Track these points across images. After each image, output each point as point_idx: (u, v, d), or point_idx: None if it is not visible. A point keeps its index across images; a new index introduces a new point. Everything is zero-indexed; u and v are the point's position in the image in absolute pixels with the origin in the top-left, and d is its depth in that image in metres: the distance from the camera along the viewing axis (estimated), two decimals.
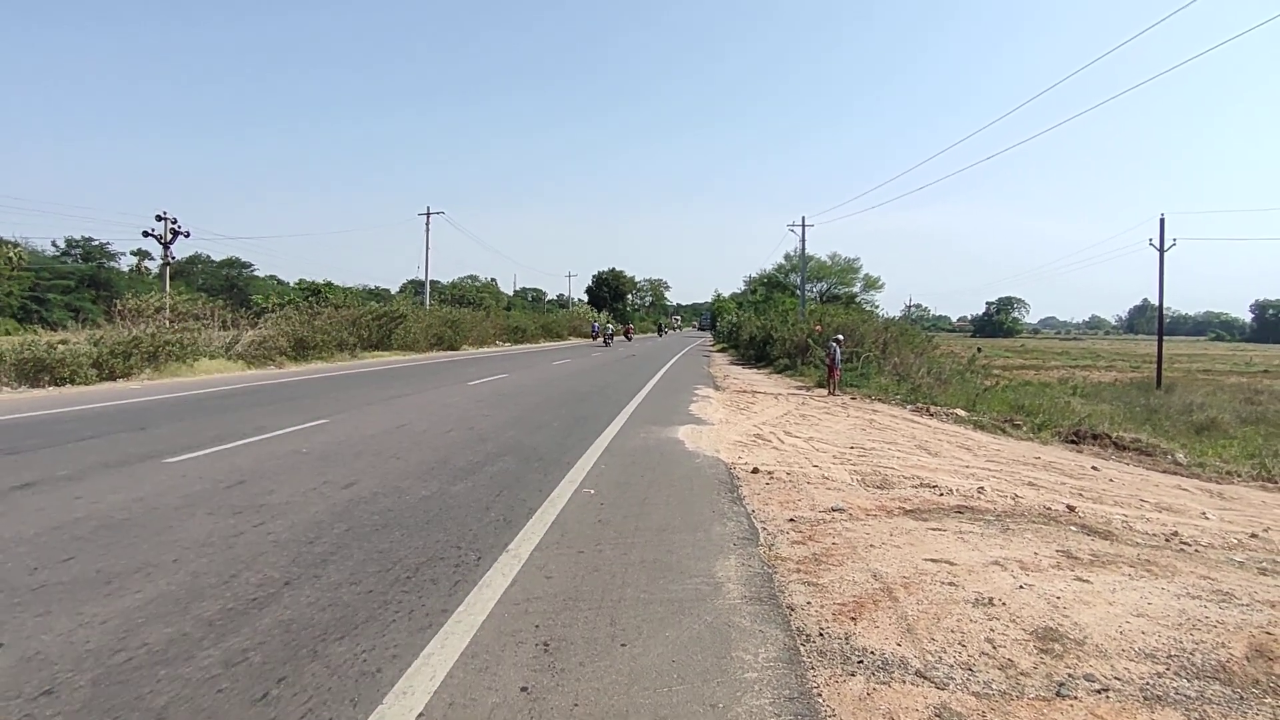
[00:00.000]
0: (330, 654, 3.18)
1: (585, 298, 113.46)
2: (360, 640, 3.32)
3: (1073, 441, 12.64)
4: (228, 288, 69.29)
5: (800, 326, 29.76)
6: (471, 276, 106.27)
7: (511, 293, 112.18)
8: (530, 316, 64.73)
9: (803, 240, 50.35)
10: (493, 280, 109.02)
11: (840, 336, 19.59)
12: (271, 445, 8.29)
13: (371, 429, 9.67)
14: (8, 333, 40.49)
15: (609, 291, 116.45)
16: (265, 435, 8.94)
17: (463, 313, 46.61)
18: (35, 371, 15.00)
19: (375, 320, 31.38)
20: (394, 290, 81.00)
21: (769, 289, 65.02)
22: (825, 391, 18.18)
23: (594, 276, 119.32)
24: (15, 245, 56.76)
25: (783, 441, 9.93)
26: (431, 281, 53.48)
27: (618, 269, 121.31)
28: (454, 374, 20.57)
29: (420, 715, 2.73)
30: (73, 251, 65.97)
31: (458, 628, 3.49)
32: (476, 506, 5.82)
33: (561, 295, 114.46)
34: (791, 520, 5.74)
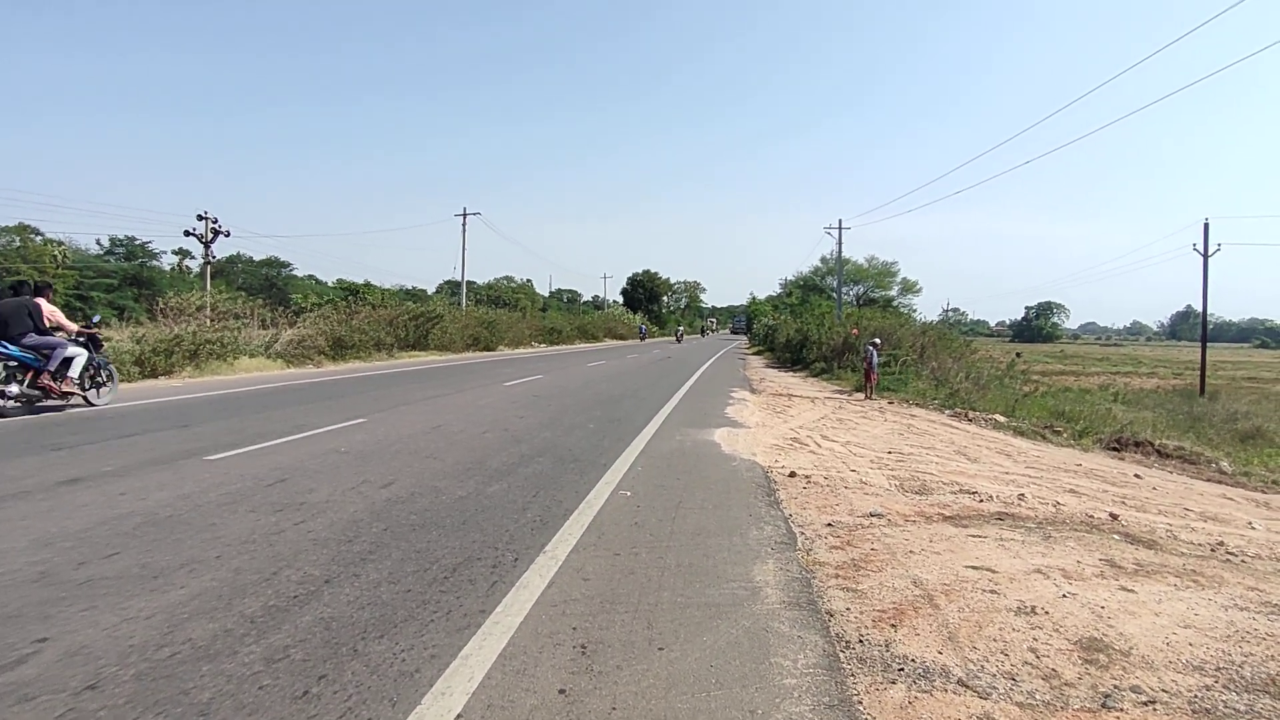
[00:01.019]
0: (370, 652, 3.21)
1: (620, 299, 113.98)
2: (399, 639, 3.35)
3: (1114, 449, 12.40)
4: (267, 287, 70.39)
5: (837, 330, 29.55)
6: (507, 277, 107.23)
7: (547, 294, 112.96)
8: (566, 318, 65.11)
9: (839, 243, 50.13)
10: (528, 281, 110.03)
11: (877, 340, 19.41)
12: (311, 444, 8.41)
13: (408, 429, 9.76)
14: None
15: (644, 293, 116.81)
16: (304, 434, 9.07)
17: (498, 314, 47.06)
18: None
19: (412, 320, 31.69)
20: (430, 290, 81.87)
21: (805, 292, 64.87)
22: (862, 395, 18.02)
23: (629, 278, 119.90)
24: (60, 244, 58.72)
25: (820, 445, 9.85)
26: (468, 282, 54.01)
27: (652, 271, 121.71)
28: (489, 375, 20.70)
29: (459, 716, 2.74)
30: (116, 250, 67.47)
31: (495, 629, 3.50)
32: (513, 508, 5.84)
33: (597, 297, 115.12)
34: (829, 525, 5.69)
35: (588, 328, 63.21)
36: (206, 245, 33.20)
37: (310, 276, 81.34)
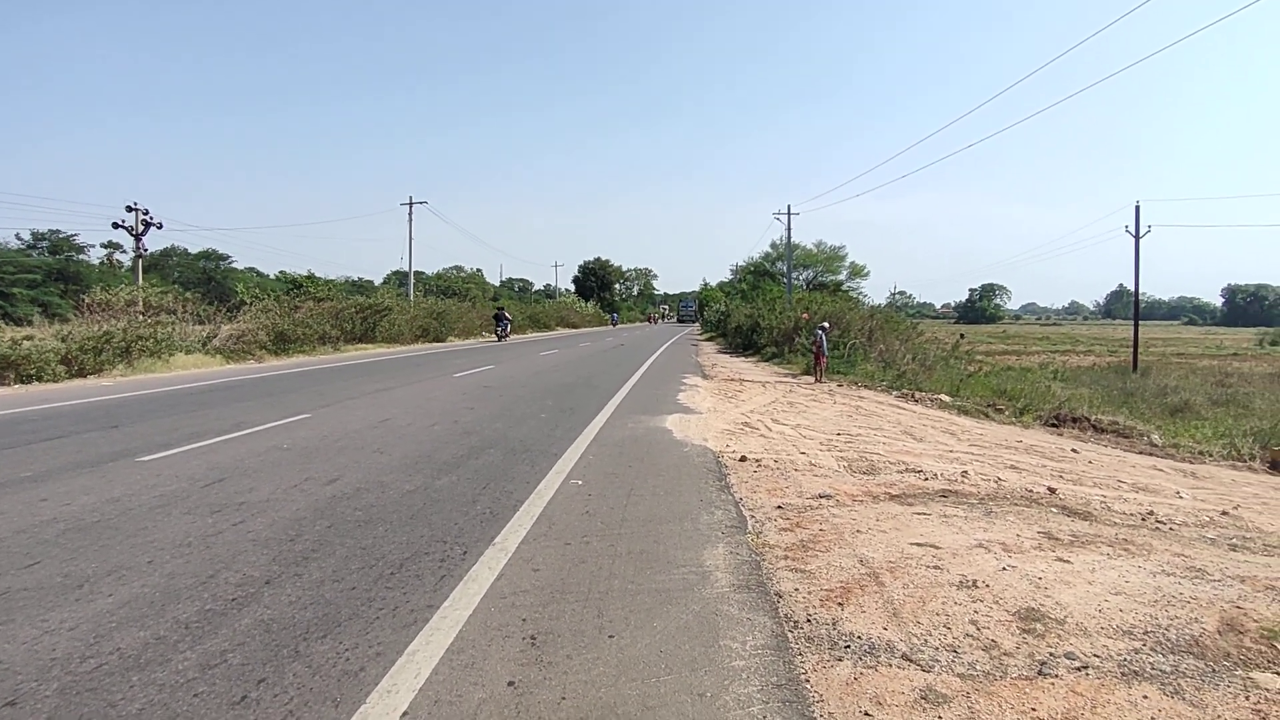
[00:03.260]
0: (312, 653, 3.14)
1: (572, 288, 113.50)
2: (343, 638, 3.28)
3: (1053, 425, 12.77)
4: (204, 280, 68.35)
5: (787, 314, 29.80)
6: (457, 267, 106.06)
7: (498, 283, 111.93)
8: (517, 307, 64.56)
9: (788, 228, 50.49)
10: (478, 271, 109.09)
11: (826, 324, 19.61)
12: (251, 441, 8.18)
13: (354, 423, 9.57)
14: None
15: (596, 281, 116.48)
16: (244, 431, 8.83)
17: (448, 304, 46.25)
18: (0, 369, 14.49)
19: (358, 313, 31.09)
20: (378, 282, 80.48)
21: (756, 277, 65.27)
22: (812, 379, 18.20)
23: (581, 266, 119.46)
24: None
25: (770, 429, 9.93)
26: (416, 273, 53.20)
27: (604, 259, 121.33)
28: (439, 366, 20.42)
29: (405, 714, 2.70)
30: (39, 244, 64.43)
31: (443, 623, 3.45)
32: (462, 500, 5.77)
33: (549, 285, 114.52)
34: (779, 508, 5.74)
35: (540, 316, 62.69)
36: (137, 238, 31.84)
37: (251, 269, 79.27)
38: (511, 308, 52.25)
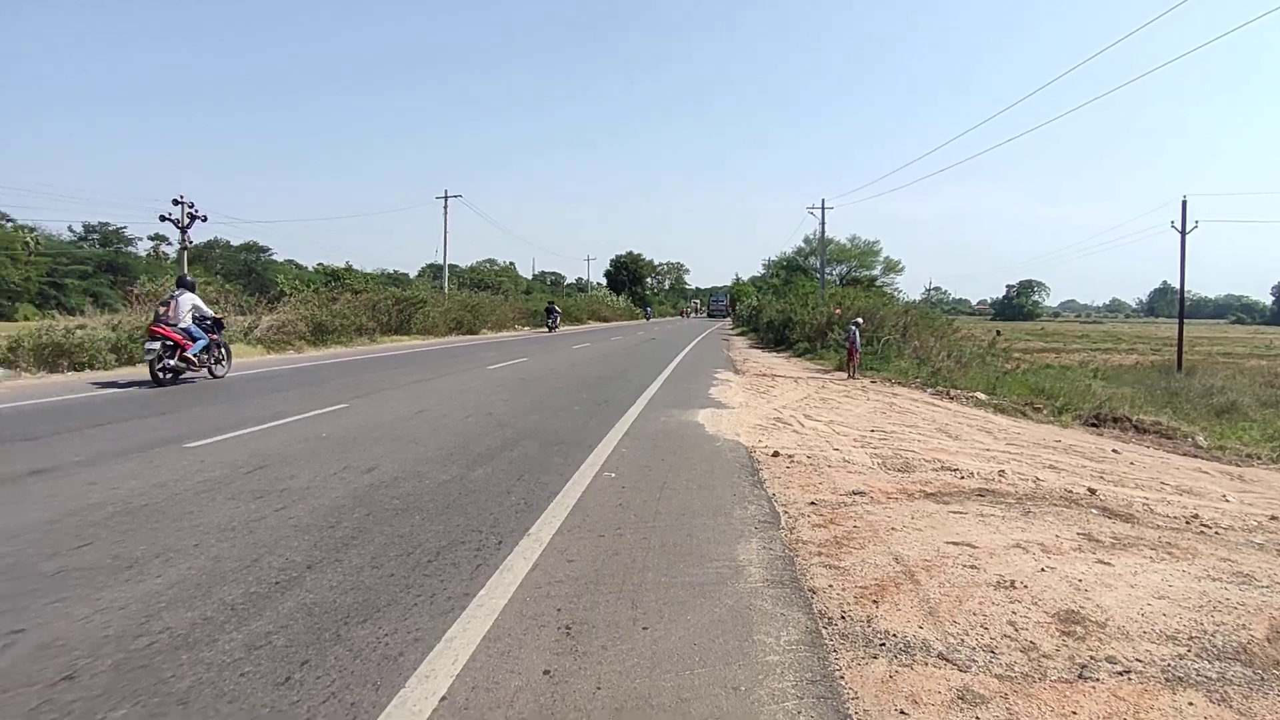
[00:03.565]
0: (352, 637, 3.20)
1: (604, 281, 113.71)
2: (382, 624, 3.34)
3: (1093, 425, 12.55)
4: (246, 272, 69.67)
5: (820, 310, 29.61)
6: (490, 260, 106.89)
7: (530, 276, 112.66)
8: (549, 300, 64.96)
9: (822, 223, 50.21)
10: (511, 264, 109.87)
11: (860, 320, 19.47)
12: (292, 430, 8.34)
13: (391, 414, 9.71)
14: (26, 318, 41.10)
15: (628, 275, 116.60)
16: (285, 420, 9.00)
17: (481, 297, 46.73)
18: (54, 357, 14.90)
19: (394, 305, 31.42)
20: (413, 274, 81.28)
21: (789, 272, 64.98)
22: (845, 375, 18.09)
23: (613, 260, 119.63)
24: (31, 230, 57.66)
25: (803, 425, 9.89)
26: (450, 265, 53.65)
27: (636, 252, 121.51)
28: (473, 358, 20.61)
29: (443, 698, 2.74)
30: (90, 237, 66.81)
31: (479, 611, 3.50)
32: (497, 491, 5.83)
33: (580, 279, 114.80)
34: (813, 504, 5.72)
35: (571, 310, 62.88)
36: (183, 230, 32.67)
37: (290, 261, 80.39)
38: (543, 302, 52.83)
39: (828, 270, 56.57)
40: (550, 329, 44.66)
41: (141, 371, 14.06)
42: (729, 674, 2.98)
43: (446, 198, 50.13)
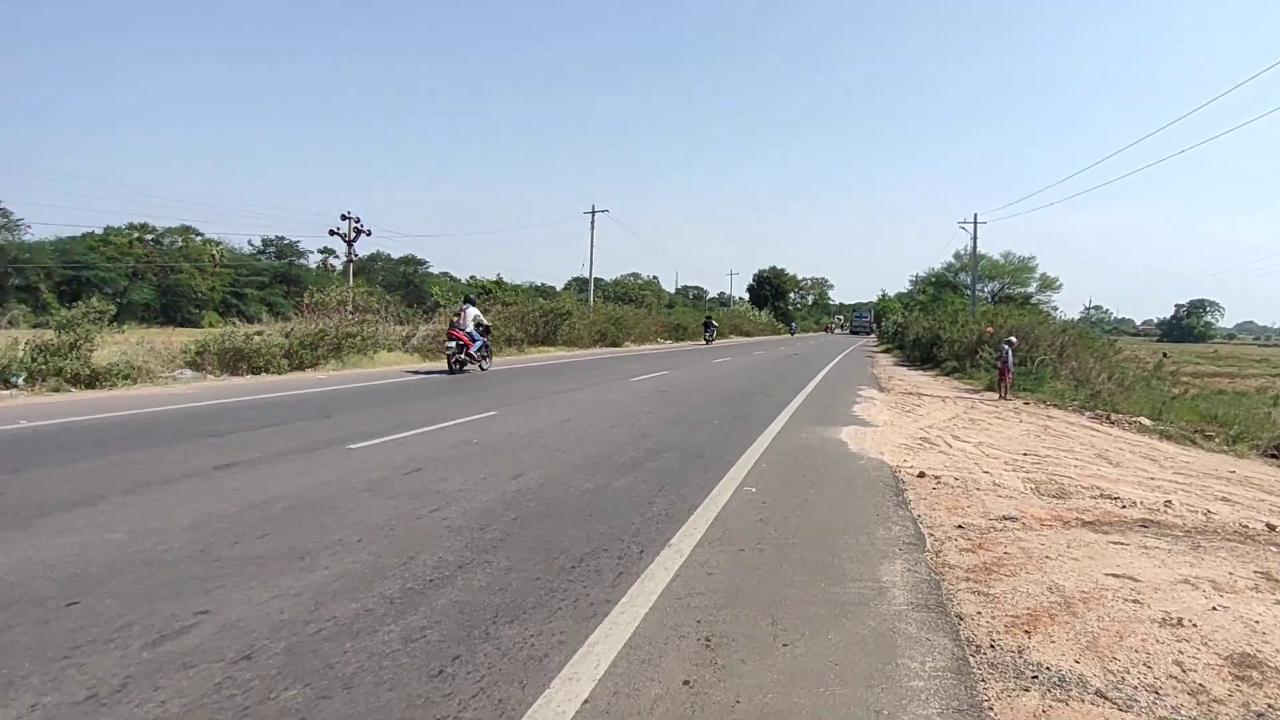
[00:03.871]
0: (500, 636, 3.35)
1: (746, 296, 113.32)
2: (528, 625, 3.48)
3: (1273, 455, 11.40)
4: (404, 284, 73.90)
5: (970, 327, 28.32)
6: (634, 274, 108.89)
7: (673, 290, 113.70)
8: (692, 314, 65.19)
9: (974, 237, 48.13)
10: (654, 278, 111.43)
11: (1013, 339, 18.50)
12: (444, 435, 8.79)
13: (537, 423, 10.05)
14: (210, 324, 45.40)
15: (770, 290, 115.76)
16: (438, 425, 9.48)
17: (625, 310, 47.57)
18: (235, 360, 16.45)
19: (541, 317, 32.47)
20: (559, 287, 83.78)
21: (937, 288, 62.57)
22: (996, 395, 17.23)
23: (755, 275, 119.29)
24: (217, 244, 63.94)
25: (950, 446, 9.51)
26: (595, 279, 54.95)
27: (779, 267, 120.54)
28: (616, 370, 21.02)
29: (585, 701, 2.82)
30: (267, 250, 73.02)
31: (621, 618, 3.58)
32: (639, 501, 5.94)
33: (722, 293, 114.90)
34: (960, 527, 5.50)
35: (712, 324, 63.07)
36: (349, 243, 35.26)
37: (445, 273, 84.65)
38: (685, 315, 53.48)
39: (979, 287, 54.06)
40: (708, 342, 47.22)
41: (306, 377, 15.20)
42: (870, 697, 2.93)
43: (594, 212, 51.51)
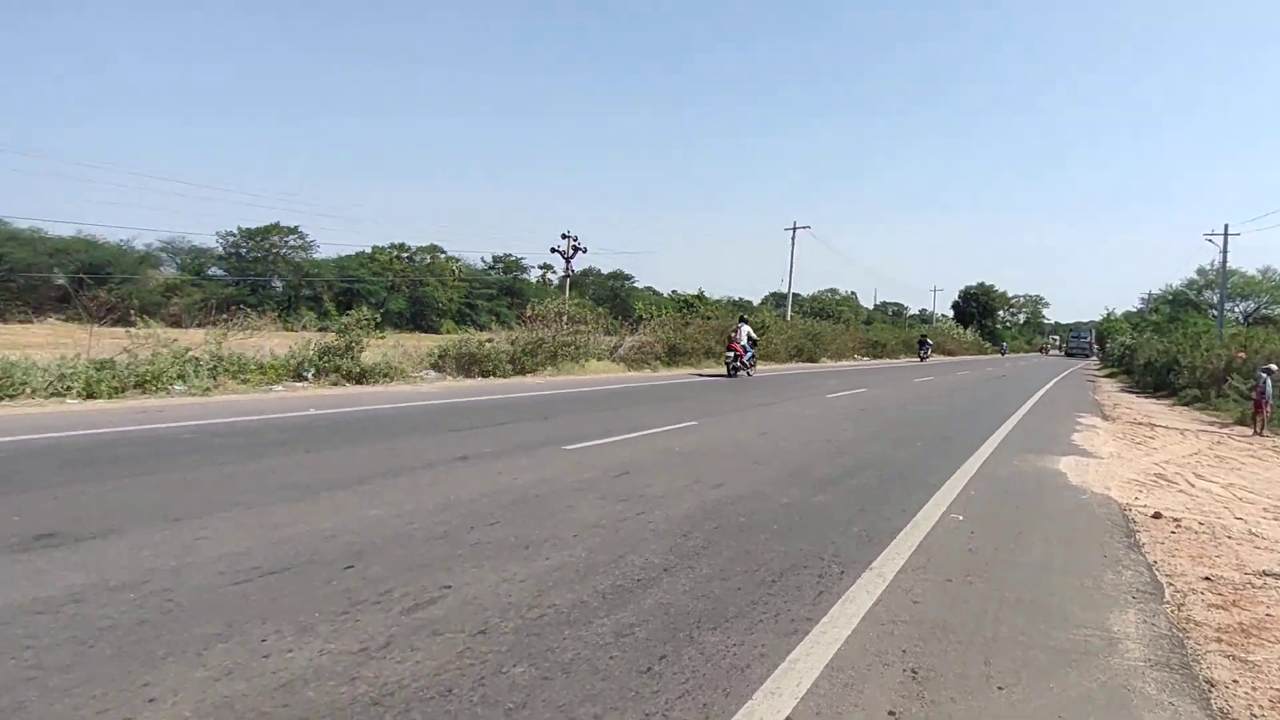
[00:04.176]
0: (704, 642, 3.43)
1: (950, 313, 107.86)
2: (730, 634, 3.53)
3: None
4: (611, 297, 76.87)
5: (1217, 352, 25.23)
6: (831, 289, 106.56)
7: (871, 307, 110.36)
8: (891, 331, 63.03)
9: (1223, 251, 42.85)
10: (852, 294, 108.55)
11: (1273, 366, 16.22)
12: (648, 442, 9.11)
13: (736, 434, 10.15)
14: (447, 332, 50.46)
15: (977, 307, 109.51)
16: (642, 432, 9.84)
17: (823, 325, 46.89)
18: (469, 364, 18.58)
19: None
20: (756, 302, 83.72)
21: (1174, 308, 56.47)
22: (1249, 431, 15.24)
23: (961, 292, 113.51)
24: (456, 260, 71.78)
25: (1192, 485, 8.55)
26: (792, 294, 54.60)
27: (988, 284, 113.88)
28: (813, 385, 20.77)
29: (788, 718, 2.83)
30: (496, 265, 80.00)
31: (822, 638, 3.55)
32: (838, 519, 5.86)
33: (924, 310, 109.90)
34: (1207, 579, 4.94)
35: (914, 342, 60.56)
36: (568, 260, 37.73)
37: (649, 288, 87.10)
38: (884, 332, 52.48)
39: (1228, 306, 48.07)
40: (922, 359, 49.41)
41: (526, 381, 16.21)
42: None
43: (794, 229, 51.40)
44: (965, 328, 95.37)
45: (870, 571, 4.62)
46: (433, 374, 17.45)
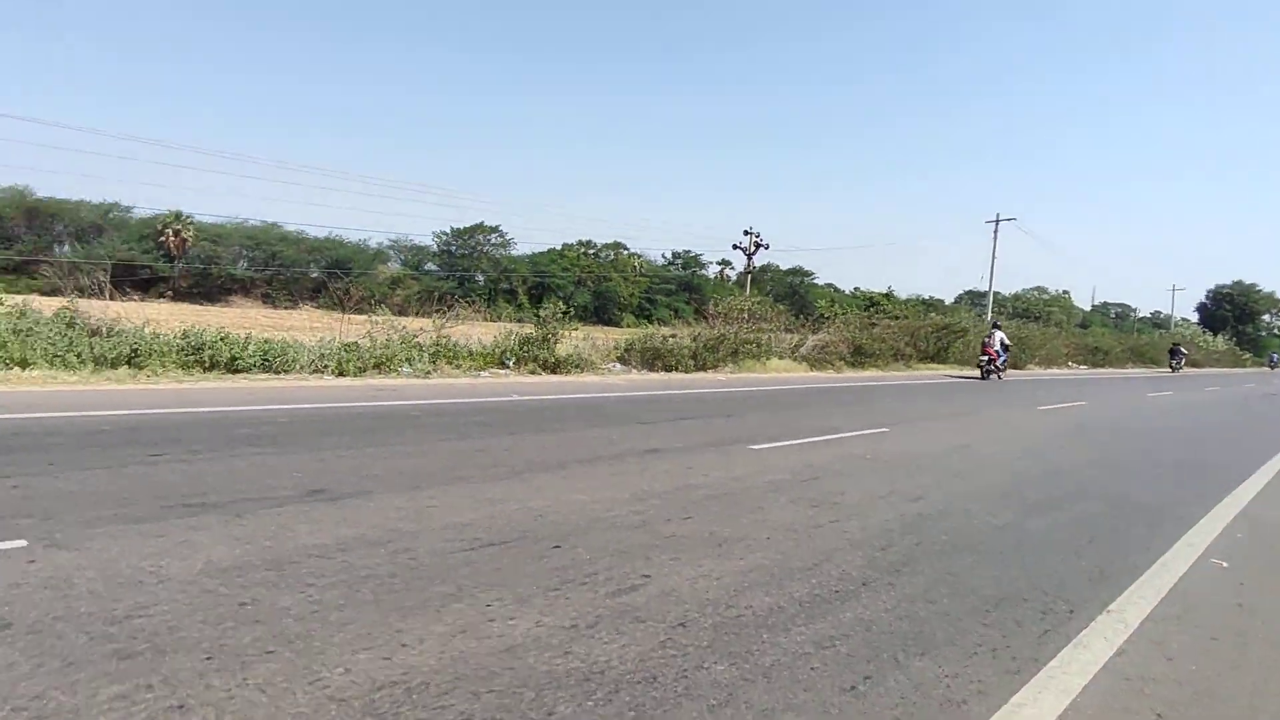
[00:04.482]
0: (911, 667, 3.13)
1: (1195, 317, 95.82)
2: (941, 663, 3.20)
3: None
4: (790, 294, 75.70)
5: None
6: (1039, 288, 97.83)
7: (1088, 308, 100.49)
8: (1114, 337, 57.22)
9: None
10: (1065, 293, 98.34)
11: None
12: (837, 446, 8.75)
13: (932, 444, 9.55)
14: (629, 325, 52.37)
15: (1231, 310, 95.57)
16: (831, 436, 9.48)
17: (1030, 329, 43.17)
18: (652, 358, 19.04)
19: (934, 333, 31.29)
20: (948, 301, 79.35)
21: None
22: None
23: (1210, 292, 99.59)
24: (639, 256, 74.86)
25: None
26: (993, 293, 51.39)
27: (1247, 282, 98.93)
28: (1019, 394, 19.36)
29: None
30: (675, 262, 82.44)
31: (1051, 684, 3.12)
32: (1061, 550, 5.23)
33: (1158, 313, 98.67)
34: None
35: (1144, 350, 54.01)
36: (749, 256, 37.57)
37: (830, 285, 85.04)
38: (1105, 337, 48.69)
39: None
40: (1174, 369, 46.54)
41: (707, 377, 16.12)
42: None
43: (997, 221, 48.12)
44: (1215, 334, 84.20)
45: (1108, 614, 4.03)
46: (618, 366, 18.23)
